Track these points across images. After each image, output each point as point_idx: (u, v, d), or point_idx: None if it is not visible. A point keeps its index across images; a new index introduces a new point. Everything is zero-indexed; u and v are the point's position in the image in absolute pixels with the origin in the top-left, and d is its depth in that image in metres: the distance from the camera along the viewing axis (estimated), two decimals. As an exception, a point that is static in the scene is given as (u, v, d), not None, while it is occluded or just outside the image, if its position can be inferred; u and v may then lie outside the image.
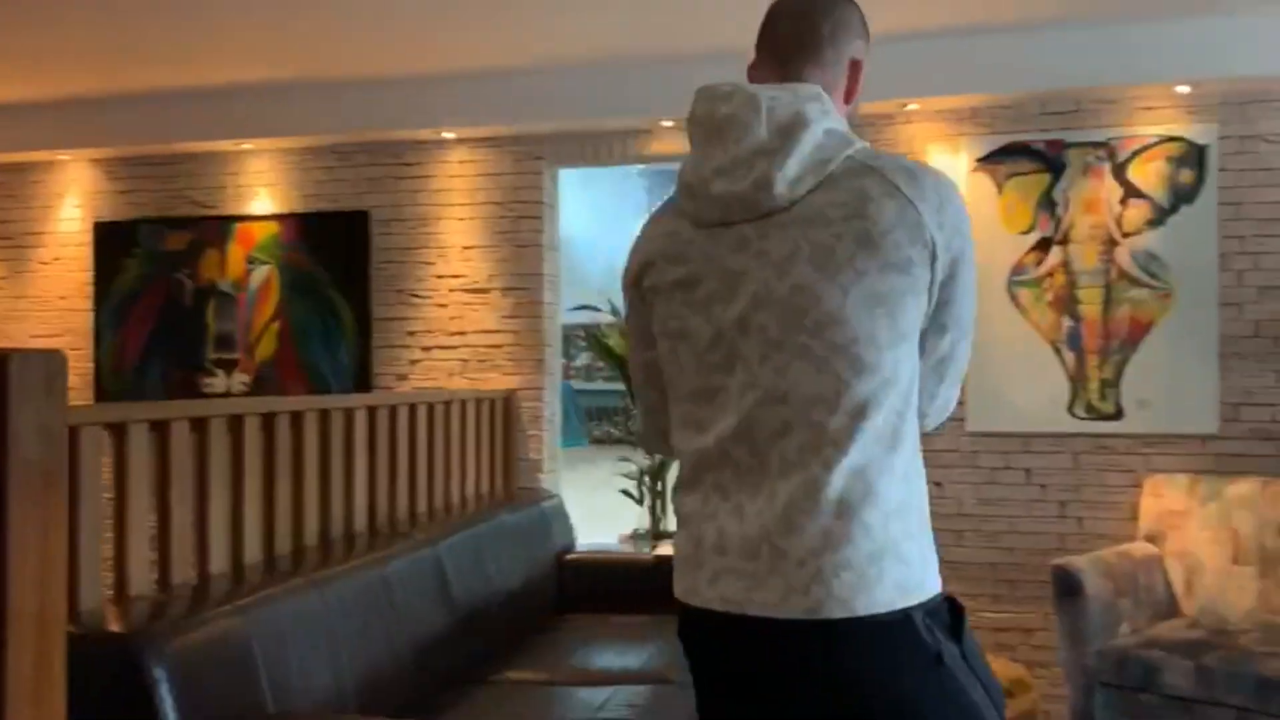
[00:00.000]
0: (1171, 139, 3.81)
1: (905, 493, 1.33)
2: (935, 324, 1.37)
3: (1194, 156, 3.79)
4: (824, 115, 1.35)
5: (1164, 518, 3.64)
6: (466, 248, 4.47)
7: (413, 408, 3.60)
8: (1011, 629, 3.91)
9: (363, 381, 4.51)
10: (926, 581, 1.31)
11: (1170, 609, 3.52)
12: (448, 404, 3.88)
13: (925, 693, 1.30)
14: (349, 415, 3.17)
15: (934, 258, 1.32)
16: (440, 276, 4.50)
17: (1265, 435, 3.71)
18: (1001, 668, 3.60)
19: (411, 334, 4.52)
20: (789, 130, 1.33)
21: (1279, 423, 3.70)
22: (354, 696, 2.42)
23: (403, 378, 4.51)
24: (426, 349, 4.50)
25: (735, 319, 1.35)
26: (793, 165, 1.31)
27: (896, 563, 1.29)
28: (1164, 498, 3.65)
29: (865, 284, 1.29)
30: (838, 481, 1.29)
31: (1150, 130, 3.84)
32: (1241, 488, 3.51)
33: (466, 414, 4.02)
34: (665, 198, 1.49)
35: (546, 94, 4.19)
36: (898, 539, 1.30)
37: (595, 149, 4.35)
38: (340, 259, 4.54)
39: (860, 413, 1.29)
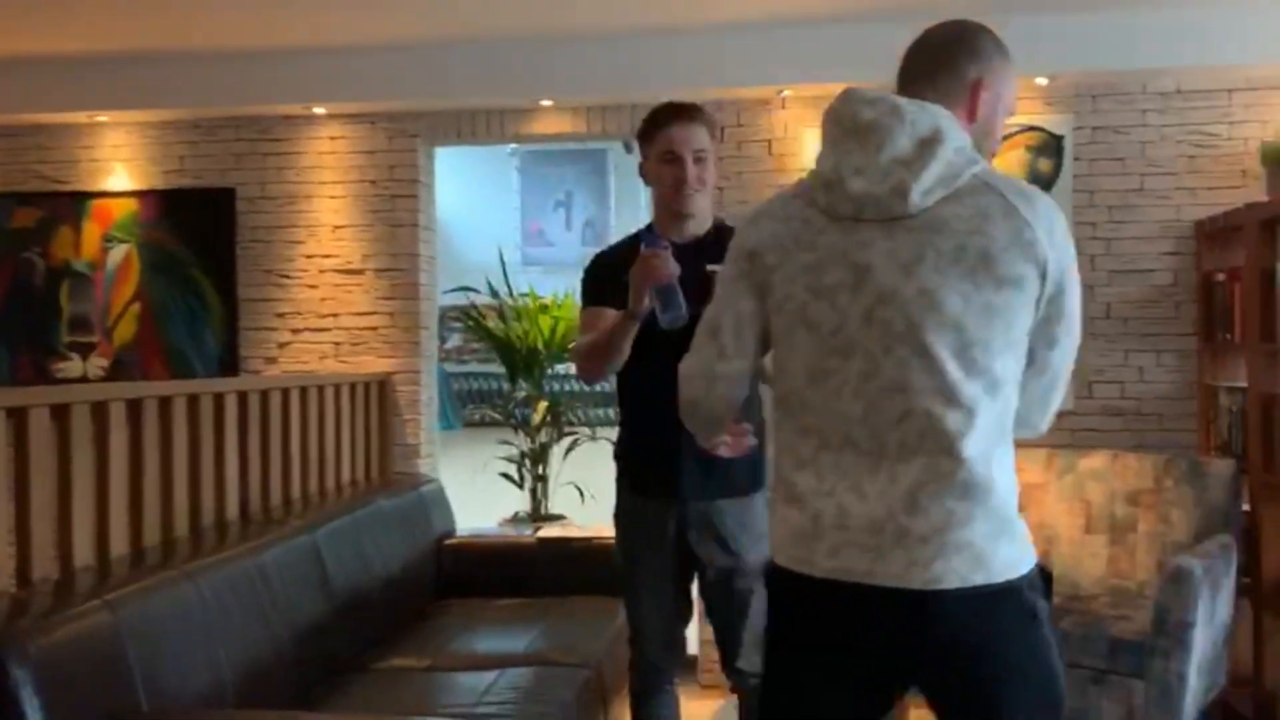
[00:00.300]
0: (1032, 128, 3.99)
1: (1012, 480, 1.54)
2: (1047, 336, 1.55)
3: (1052, 146, 3.97)
4: (956, 133, 1.53)
5: (1024, 491, 3.79)
6: (338, 227, 4.36)
7: (285, 392, 3.50)
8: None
9: (229, 365, 4.36)
10: (1028, 555, 1.53)
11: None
12: (321, 388, 3.78)
13: (1023, 653, 1.52)
14: (219, 400, 3.06)
15: (1045, 275, 1.50)
16: (310, 256, 4.37)
17: (1115, 411, 3.94)
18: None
19: (281, 316, 4.38)
20: (928, 144, 1.49)
21: (1128, 399, 3.93)
22: (233, 690, 2.35)
23: (272, 361, 4.38)
24: (296, 331, 4.37)
25: (862, 311, 1.50)
26: (927, 177, 1.48)
27: (1009, 541, 1.50)
28: (1024, 472, 3.82)
29: (983, 294, 1.47)
30: (960, 469, 1.47)
31: (1011, 120, 3.99)
32: (1094, 461, 3.72)
33: (341, 398, 3.92)
34: (797, 186, 1.61)
35: (423, 70, 4.11)
36: (1010, 520, 1.51)
37: (472, 127, 4.29)
38: (204, 238, 4.37)
39: (974, 408, 1.48)
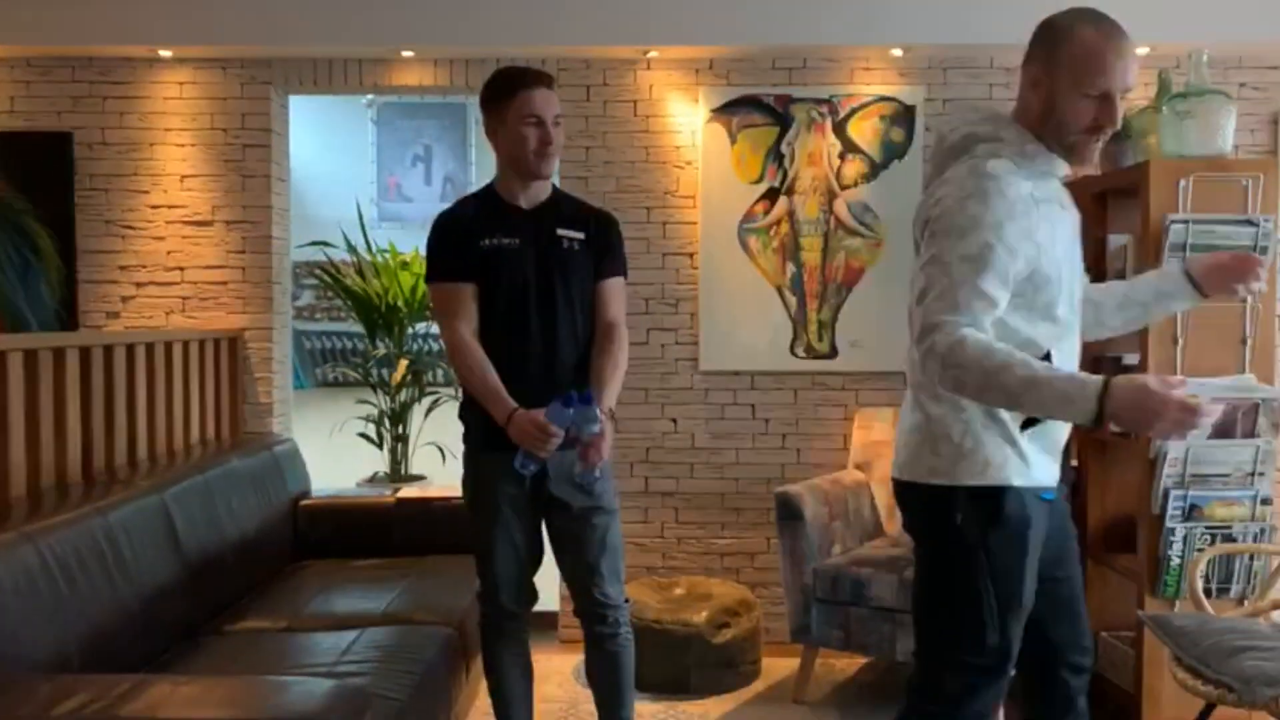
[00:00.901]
0: (885, 99, 4.12)
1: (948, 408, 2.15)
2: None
3: (904, 116, 4.11)
4: (983, 136, 2.10)
5: (871, 447, 3.99)
6: (186, 177, 4.17)
7: (130, 348, 3.36)
8: (737, 553, 4.18)
9: (68, 320, 4.14)
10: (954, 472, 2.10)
11: (876, 529, 3.89)
12: (168, 344, 3.64)
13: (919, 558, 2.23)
14: (59, 356, 2.92)
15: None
16: (156, 207, 4.17)
17: (957, 372, 4.13)
18: (729, 590, 3.85)
19: (123, 269, 4.18)
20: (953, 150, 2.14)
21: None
22: (78, 655, 2.27)
23: (114, 316, 4.17)
24: (141, 285, 4.18)
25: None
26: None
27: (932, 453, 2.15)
28: (871, 429, 4.01)
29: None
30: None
31: (868, 90, 4.13)
32: (937, 419, 3.90)
33: (189, 355, 3.79)
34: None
35: (277, 14, 3.95)
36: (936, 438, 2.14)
37: (329, 76, 4.16)
38: (39, 185, 4.11)
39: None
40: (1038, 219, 2.00)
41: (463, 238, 2.61)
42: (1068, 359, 2.11)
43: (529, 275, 2.59)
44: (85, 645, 2.31)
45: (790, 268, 4.15)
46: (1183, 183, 3.19)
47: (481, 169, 13.20)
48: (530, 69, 2.64)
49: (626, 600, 2.74)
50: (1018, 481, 2.04)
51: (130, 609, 2.55)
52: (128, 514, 2.68)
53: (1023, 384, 1.84)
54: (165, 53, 4.07)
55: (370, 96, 12.70)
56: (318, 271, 4.97)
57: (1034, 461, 2.07)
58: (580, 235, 2.65)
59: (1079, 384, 1.82)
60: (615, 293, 2.72)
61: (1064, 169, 2.13)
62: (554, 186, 2.74)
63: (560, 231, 2.63)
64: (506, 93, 2.58)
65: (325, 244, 5.00)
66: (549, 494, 2.62)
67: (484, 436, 2.63)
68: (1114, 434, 3.25)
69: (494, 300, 2.59)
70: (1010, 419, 2.04)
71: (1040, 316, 2.05)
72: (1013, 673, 2.15)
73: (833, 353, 4.15)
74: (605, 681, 2.74)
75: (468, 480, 2.71)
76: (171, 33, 3.98)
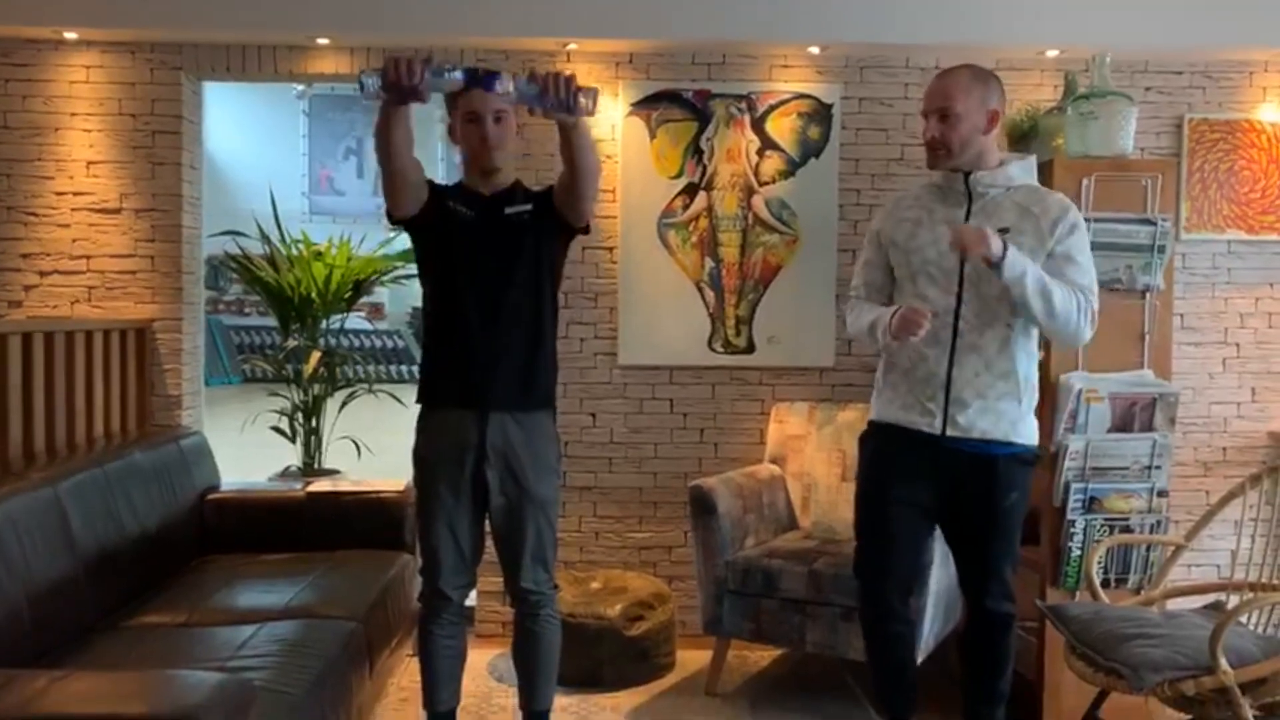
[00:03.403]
0: (803, 96, 4.15)
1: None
2: None
3: (822, 114, 4.15)
4: None
5: (786, 442, 4.02)
6: (93, 163, 4.06)
7: (27, 337, 3.27)
8: (655, 547, 4.18)
9: (-34, 308, 4.01)
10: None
11: (790, 523, 3.92)
12: (70, 334, 3.54)
13: None
14: (-54, 344, 2.82)
15: None
16: (61, 194, 4.06)
17: (870, 367, 4.15)
18: (644, 583, 3.86)
19: (26, 256, 4.06)
20: None
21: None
22: (-45, 652, 2.19)
23: (16, 305, 4.05)
24: (45, 274, 4.06)
25: None
26: None
27: None
28: (787, 424, 4.04)
29: None
30: None
31: (786, 87, 4.16)
32: (850, 414, 3.95)
33: (93, 346, 3.69)
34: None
35: (187, -2, 3.87)
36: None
37: (243, 62, 4.08)
38: (-65, 168, 3.98)
39: None
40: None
41: (433, 185, 2.82)
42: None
43: (479, 239, 2.74)
44: (-36, 641, 2.23)
45: (709, 263, 4.16)
46: (1086, 181, 3.26)
47: (414, 163, 13.05)
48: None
49: (555, 587, 2.90)
50: None
51: (17, 605, 2.47)
52: (16, 507, 2.60)
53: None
54: (70, 35, 3.96)
55: (301, 88, 12.49)
56: (232, 264, 4.87)
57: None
58: (528, 206, 2.79)
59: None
60: None
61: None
62: (517, 180, 2.87)
63: (509, 210, 2.78)
64: (452, 96, 2.71)
65: (239, 234, 4.91)
66: (486, 478, 2.74)
67: (425, 390, 2.81)
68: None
69: (446, 259, 2.76)
70: None
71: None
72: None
73: (750, 348, 4.17)
74: (523, 661, 2.90)
75: (415, 452, 2.84)
76: (77, 14, 3.87)
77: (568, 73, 2.44)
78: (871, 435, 2.87)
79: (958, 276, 2.68)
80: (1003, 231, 2.61)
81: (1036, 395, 2.75)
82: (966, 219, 2.68)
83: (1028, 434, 2.73)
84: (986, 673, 2.81)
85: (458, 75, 2.39)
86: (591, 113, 2.50)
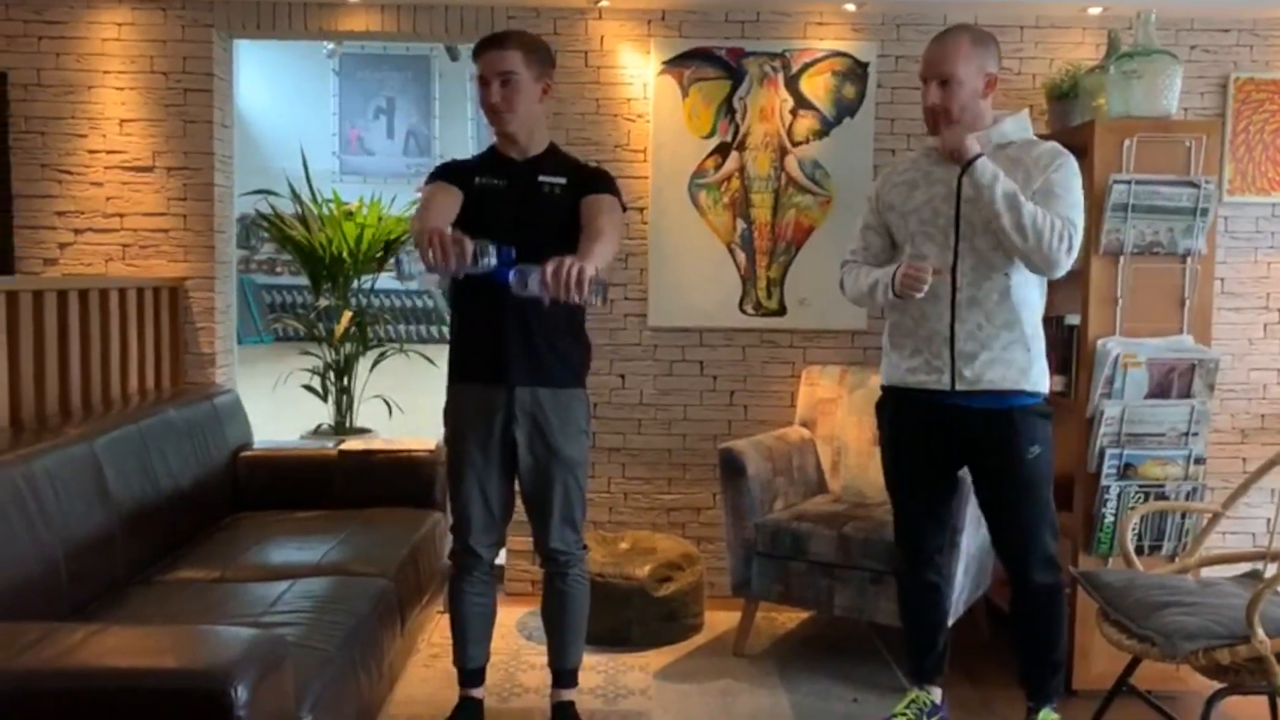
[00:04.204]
0: (838, 54, 4.08)
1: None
2: None
3: (857, 72, 4.08)
4: None
5: (817, 405, 3.99)
6: (126, 121, 4.07)
7: (62, 295, 3.29)
8: (684, 508, 4.19)
9: (3, 266, 4.04)
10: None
11: (819, 486, 3.90)
12: (104, 292, 3.57)
13: None
14: (-17, 300, 2.84)
15: None
16: (94, 152, 4.07)
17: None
18: (673, 544, 3.86)
19: (61, 215, 4.08)
20: None
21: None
22: (-6, 604, 2.23)
23: (52, 263, 4.08)
24: (79, 231, 4.09)
25: None
26: None
27: None
28: (818, 386, 4.01)
29: None
30: None
31: (821, 45, 4.09)
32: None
33: (127, 303, 3.71)
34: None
35: (217, -45, 3.85)
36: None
37: (273, 19, 4.06)
38: (-30, 125, 4.00)
39: None
40: None
41: (460, 173, 2.77)
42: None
43: (509, 212, 2.70)
44: (2, 594, 2.26)
45: (740, 224, 4.12)
46: (1127, 143, 3.19)
47: (445, 123, 12.98)
48: (491, 33, 2.77)
49: (584, 548, 2.91)
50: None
51: (54, 559, 2.51)
52: (54, 462, 2.63)
53: None
54: (102, -9, 3.96)
55: (331, 46, 12.44)
56: (263, 223, 4.88)
57: None
58: (562, 180, 2.76)
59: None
60: (601, 205, 2.70)
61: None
62: (552, 144, 2.85)
63: (542, 178, 2.76)
64: (475, 60, 2.73)
65: (270, 193, 4.91)
66: (514, 438, 2.75)
67: (454, 366, 2.82)
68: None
69: (476, 233, 2.64)
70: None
71: None
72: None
73: (781, 310, 4.14)
74: (552, 620, 2.92)
75: (445, 414, 2.85)
76: (108, -29, 3.86)
77: (577, 270, 2.30)
78: (885, 400, 2.92)
79: (953, 232, 2.70)
80: None
81: (1043, 342, 2.76)
82: (960, 175, 2.69)
83: (1037, 380, 2.72)
84: (1039, 645, 2.81)
85: (491, 262, 2.39)
86: (598, 306, 2.52)
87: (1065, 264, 2.63)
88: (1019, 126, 2.77)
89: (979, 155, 2.61)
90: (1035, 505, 2.74)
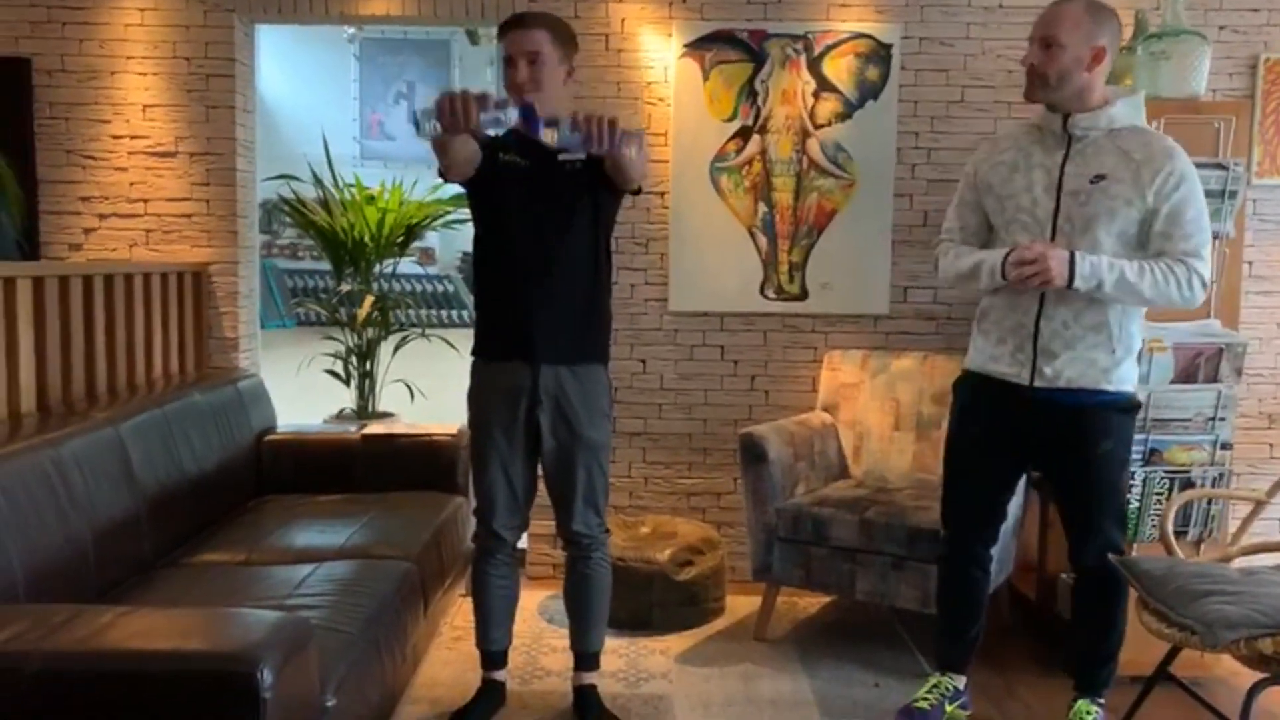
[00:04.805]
0: (861, 36, 4.04)
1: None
2: None
3: (881, 54, 4.05)
4: None
5: (839, 390, 3.98)
6: (149, 106, 4.09)
7: (87, 280, 3.31)
8: (704, 493, 4.19)
9: (30, 251, 4.08)
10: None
11: (841, 471, 3.89)
12: (129, 277, 3.59)
13: None
14: (10, 286, 2.87)
15: None
16: (118, 137, 4.10)
17: (927, 315, 4.12)
18: (694, 529, 3.87)
19: (85, 200, 4.11)
20: None
21: (939, 304, 4.11)
22: (24, 586, 2.26)
23: (77, 248, 4.12)
24: (104, 217, 4.12)
25: None
26: None
27: None
28: (840, 371, 4.00)
29: None
30: None
31: (844, 27, 4.05)
32: (904, 362, 3.90)
33: (151, 288, 3.74)
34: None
35: (238, -60, 3.85)
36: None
37: (295, 4, 4.06)
38: (-3, 112, 4.03)
39: None
40: None
41: (486, 147, 2.73)
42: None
43: (531, 192, 2.71)
44: (32, 576, 2.29)
45: (762, 208, 4.10)
46: (1155, 124, 3.15)
47: (465, 107, 13.00)
48: (517, 13, 2.76)
49: (606, 531, 2.91)
50: None
51: (81, 541, 2.53)
52: (80, 446, 2.65)
53: None
54: (124, -23, 3.97)
55: (351, 30, 12.45)
56: (285, 207, 4.89)
57: None
58: (581, 155, 2.70)
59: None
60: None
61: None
62: None
63: (562, 156, 2.71)
64: (500, 40, 2.73)
65: (292, 178, 4.92)
66: (538, 421, 2.76)
67: (480, 341, 2.82)
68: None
69: (499, 211, 2.74)
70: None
71: None
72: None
73: (803, 294, 4.12)
74: (574, 603, 2.94)
75: (469, 396, 2.86)
76: (130, -44, 3.87)
77: (610, 118, 2.36)
78: (963, 382, 2.90)
79: (1050, 225, 2.63)
80: (1098, 179, 2.57)
81: (1136, 342, 2.69)
82: (1064, 163, 2.63)
83: (1121, 381, 2.66)
84: (1094, 631, 2.80)
85: (512, 114, 2.37)
86: (636, 159, 2.49)
87: (1197, 302, 2.58)
88: (1131, 110, 2.66)
89: (1073, 271, 2.51)
90: (1104, 498, 2.71)
